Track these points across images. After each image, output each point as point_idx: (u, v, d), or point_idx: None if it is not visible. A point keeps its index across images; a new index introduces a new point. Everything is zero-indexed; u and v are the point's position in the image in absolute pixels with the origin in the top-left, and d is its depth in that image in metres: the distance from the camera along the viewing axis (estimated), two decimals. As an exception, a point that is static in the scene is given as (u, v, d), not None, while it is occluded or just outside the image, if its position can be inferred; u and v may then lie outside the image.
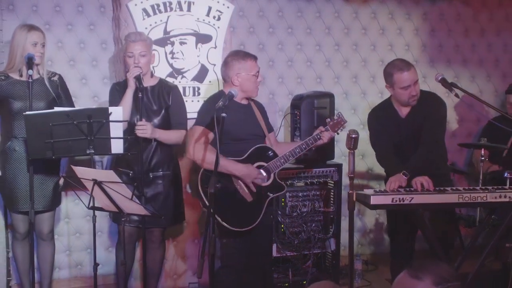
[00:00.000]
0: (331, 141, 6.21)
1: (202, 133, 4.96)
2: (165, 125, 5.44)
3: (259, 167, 5.09)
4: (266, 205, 5.11)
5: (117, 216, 5.28)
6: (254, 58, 5.20)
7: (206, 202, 4.73)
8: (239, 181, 5.01)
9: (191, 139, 5.05)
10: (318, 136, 5.29)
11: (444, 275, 2.42)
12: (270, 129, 5.49)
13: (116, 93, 5.43)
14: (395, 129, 5.39)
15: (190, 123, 6.03)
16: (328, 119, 5.40)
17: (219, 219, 4.78)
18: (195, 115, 5.93)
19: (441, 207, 4.88)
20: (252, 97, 5.31)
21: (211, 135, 4.95)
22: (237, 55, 5.16)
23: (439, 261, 2.51)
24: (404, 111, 5.41)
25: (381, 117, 5.55)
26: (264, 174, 5.10)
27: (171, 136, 5.46)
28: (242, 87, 5.10)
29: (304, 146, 5.25)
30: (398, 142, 5.36)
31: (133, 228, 5.41)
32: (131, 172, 5.35)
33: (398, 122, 5.40)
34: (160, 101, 5.43)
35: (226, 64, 5.15)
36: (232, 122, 4.92)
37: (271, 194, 5.17)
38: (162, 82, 5.56)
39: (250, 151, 5.05)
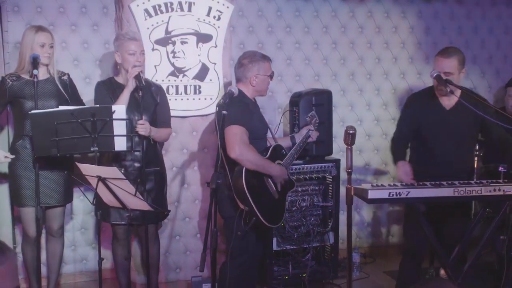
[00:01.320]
0: (329, 137, 6.24)
1: (244, 132, 4.84)
2: (153, 122, 5.41)
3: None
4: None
5: (109, 215, 5.29)
6: (270, 59, 5.27)
7: (251, 200, 4.73)
8: (269, 179, 5.01)
9: (234, 139, 4.78)
10: (308, 134, 5.56)
11: None
12: None
13: (104, 91, 5.37)
14: (438, 122, 5.25)
15: (193, 120, 6.05)
16: (308, 119, 5.70)
17: (259, 215, 4.76)
18: (197, 113, 5.97)
19: (437, 201, 4.85)
20: (263, 96, 5.40)
21: (247, 134, 4.93)
22: (255, 57, 5.14)
23: (445, 282, 2.35)
24: (447, 103, 5.27)
25: (417, 104, 5.44)
26: None
27: (161, 134, 5.49)
28: (258, 87, 5.15)
29: (301, 144, 5.45)
30: (438, 134, 5.25)
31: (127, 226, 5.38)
32: (123, 169, 5.32)
33: (442, 113, 5.26)
34: (150, 99, 5.42)
35: (243, 65, 5.11)
36: (257, 120, 5.06)
37: (288, 190, 5.29)
38: (148, 81, 5.54)
39: (270, 150, 5.06)
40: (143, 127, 5.09)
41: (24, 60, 5.24)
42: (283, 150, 5.25)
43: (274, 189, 5.03)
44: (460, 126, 5.20)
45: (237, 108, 4.86)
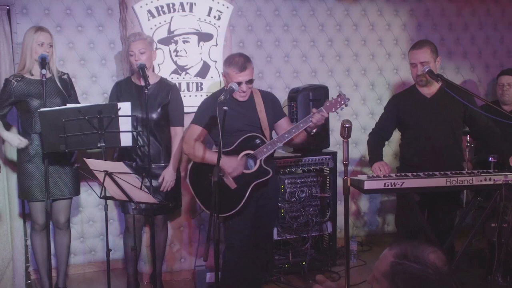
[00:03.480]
0: (326, 131, 6.23)
1: (195, 130, 4.94)
2: (162, 119, 5.45)
3: (247, 155, 4.94)
4: (250, 190, 4.85)
5: (125, 207, 5.37)
6: (239, 68, 4.82)
7: (192, 191, 4.95)
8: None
9: (185, 136, 5.06)
10: (310, 119, 4.88)
11: (407, 253, 2.29)
12: (279, 116, 5.18)
13: (115, 93, 5.50)
14: (420, 109, 5.26)
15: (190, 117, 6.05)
16: (328, 100, 4.94)
17: (202, 206, 4.87)
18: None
19: (430, 190, 4.86)
20: (238, 100, 4.96)
21: (203, 132, 4.95)
22: (227, 60, 4.95)
23: (427, 245, 2.37)
24: (428, 92, 5.29)
25: (398, 99, 5.50)
26: (252, 162, 4.94)
27: (178, 151, 5.52)
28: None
29: (294, 130, 4.89)
30: (423, 121, 5.24)
31: (140, 216, 5.43)
32: (134, 163, 5.36)
33: (424, 102, 5.28)
34: (159, 97, 5.43)
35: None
36: (228, 117, 4.73)
37: (256, 180, 4.89)
38: (162, 81, 5.56)
39: (238, 141, 4.92)
40: (168, 183, 5.36)
41: (24, 60, 5.23)
42: (257, 140, 4.93)
43: (231, 179, 4.82)
44: (443, 112, 5.20)
45: (199, 107, 5.08)
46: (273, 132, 5.21)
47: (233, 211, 4.88)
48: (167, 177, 5.39)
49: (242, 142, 4.92)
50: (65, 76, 5.45)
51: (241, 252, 4.98)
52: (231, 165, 4.81)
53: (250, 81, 4.87)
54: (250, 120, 5.00)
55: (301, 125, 4.87)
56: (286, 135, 4.90)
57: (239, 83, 4.80)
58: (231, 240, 4.98)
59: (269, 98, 5.21)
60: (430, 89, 5.27)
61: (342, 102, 4.91)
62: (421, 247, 2.34)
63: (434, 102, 5.24)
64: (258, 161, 4.91)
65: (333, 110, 4.90)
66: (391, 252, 2.36)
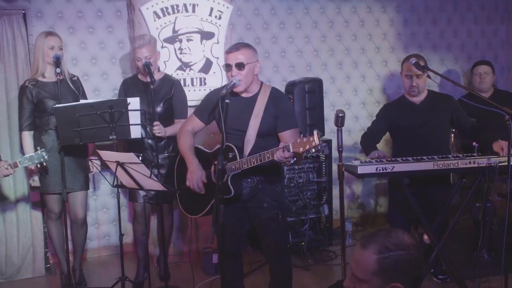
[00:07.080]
0: (321, 120, 6.21)
1: (191, 120, 4.51)
2: (166, 113, 5.37)
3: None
4: (211, 205, 4.19)
5: (134, 196, 5.34)
6: (229, 49, 4.20)
7: (175, 182, 4.66)
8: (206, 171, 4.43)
9: (182, 123, 4.68)
10: (270, 153, 3.78)
11: (388, 245, 2.31)
12: (283, 127, 4.15)
13: (122, 91, 5.46)
14: (409, 114, 5.32)
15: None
16: (299, 137, 3.64)
17: (178, 198, 4.61)
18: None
19: (419, 174, 4.85)
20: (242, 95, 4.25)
21: (197, 124, 4.43)
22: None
23: (394, 230, 2.40)
24: (417, 100, 5.36)
25: (390, 107, 5.56)
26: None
27: (176, 130, 5.40)
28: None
29: (260, 158, 3.84)
30: (414, 125, 5.29)
31: (148, 204, 5.40)
32: (141, 155, 5.27)
33: (413, 108, 5.35)
34: (163, 92, 5.38)
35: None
36: (217, 114, 4.22)
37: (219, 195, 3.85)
38: (166, 77, 5.49)
39: (215, 148, 4.34)
40: (158, 128, 5.10)
41: (37, 63, 5.22)
42: (230, 154, 4.05)
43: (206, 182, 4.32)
44: (432, 116, 5.27)
45: (203, 99, 4.52)
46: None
47: (195, 216, 4.59)
48: (161, 128, 5.12)
49: (218, 150, 4.12)
50: (75, 78, 5.43)
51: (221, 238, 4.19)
52: (192, 177, 4.30)
53: (239, 65, 4.07)
54: (238, 124, 4.21)
55: (268, 155, 3.81)
56: (254, 161, 3.91)
57: (228, 66, 4.12)
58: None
59: (276, 101, 4.21)
60: (419, 97, 5.34)
61: (313, 144, 3.55)
62: (392, 234, 2.36)
63: (423, 107, 5.30)
64: (225, 177, 4.06)
65: (301, 150, 3.60)
66: (370, 251, 2.34)
